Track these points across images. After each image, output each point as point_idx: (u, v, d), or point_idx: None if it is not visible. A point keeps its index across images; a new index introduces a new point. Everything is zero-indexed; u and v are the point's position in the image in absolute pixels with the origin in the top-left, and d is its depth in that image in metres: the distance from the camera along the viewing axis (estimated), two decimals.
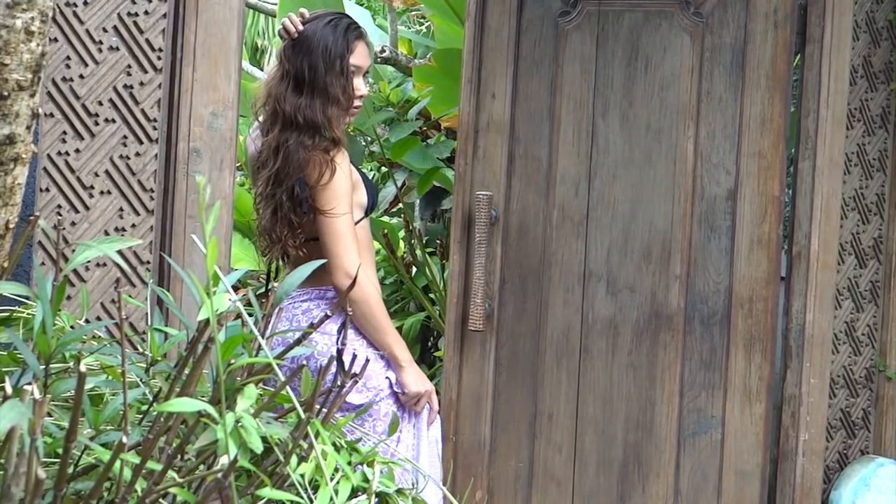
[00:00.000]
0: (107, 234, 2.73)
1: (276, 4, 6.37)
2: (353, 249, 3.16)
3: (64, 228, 2.69)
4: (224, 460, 1.15)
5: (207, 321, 1.32)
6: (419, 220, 6.05)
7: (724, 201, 4.11)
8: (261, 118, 3.24)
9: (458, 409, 4.20)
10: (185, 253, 2.80)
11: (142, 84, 2.75)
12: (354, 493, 1.39)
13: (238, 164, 7.39)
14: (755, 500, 4.10)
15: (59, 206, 2.68)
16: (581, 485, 4.17)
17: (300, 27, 3.21)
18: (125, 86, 2.74)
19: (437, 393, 3.78)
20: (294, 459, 1.30)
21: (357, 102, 3.31)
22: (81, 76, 2.69)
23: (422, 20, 6.32)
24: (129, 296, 2.77)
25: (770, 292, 4.09)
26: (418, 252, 5.67)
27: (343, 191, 3.15)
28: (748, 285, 4.09)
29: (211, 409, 1.14)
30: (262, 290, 7.18)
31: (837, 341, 4.10)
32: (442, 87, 4.93)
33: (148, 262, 2.78)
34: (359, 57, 3.29)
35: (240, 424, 1.15)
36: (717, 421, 4.11)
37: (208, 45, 2.81)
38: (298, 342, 1.42)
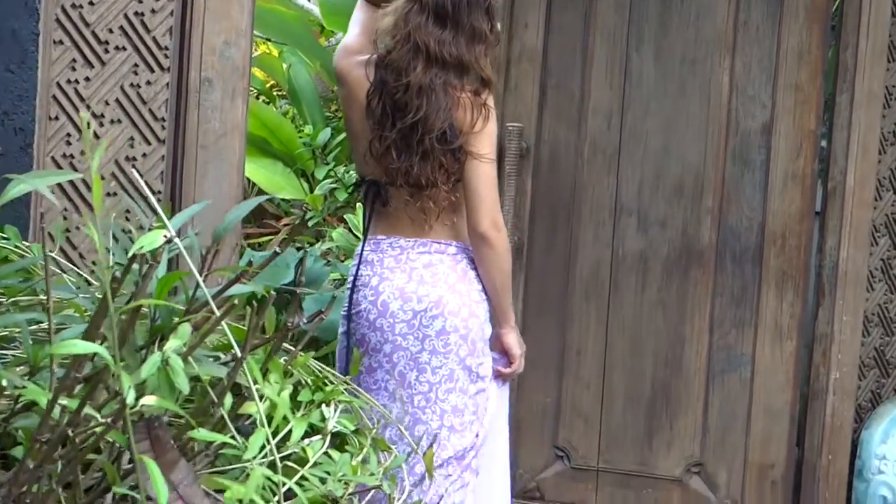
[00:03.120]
0: (117, 163, 2.72)
1: None
2: (498, 199, 3.02)
3: (73, 157, 2.68)
4: (148, 401, 1.13)
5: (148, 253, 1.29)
6: None
7: (759, 135, 4.02)
8: (385, 49, 2.98)
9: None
10: (196, 183, 2.78)
11: (153, 11, 2.72)
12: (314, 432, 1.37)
13: (260, 92, 7.37)
14: (784, 438, 4.05)
15: (69, 135, 2.67)
16: (608, 421, 4.15)
17: None
18: (136, 13, 2.71)
19: None
20: (228, 399, 1.28)
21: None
22: (91, 3, 2.67)
23: None
24: (142, 226, 2.76)
25: (804, 228, 4.01)
26: None
27: (495, 137, 3.01)
28: (782, 221, 4.02)
29: (102, 351, 1.12)
30: (307, 220, 7.15)
31: (873, 279, 4.02)
32: None
33: (159, 192, 2.76)
34: None
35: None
36: (747, 358, 4.06)
37: None
38: (236, 280, 1.39)
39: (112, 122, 2.70)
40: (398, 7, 2.97)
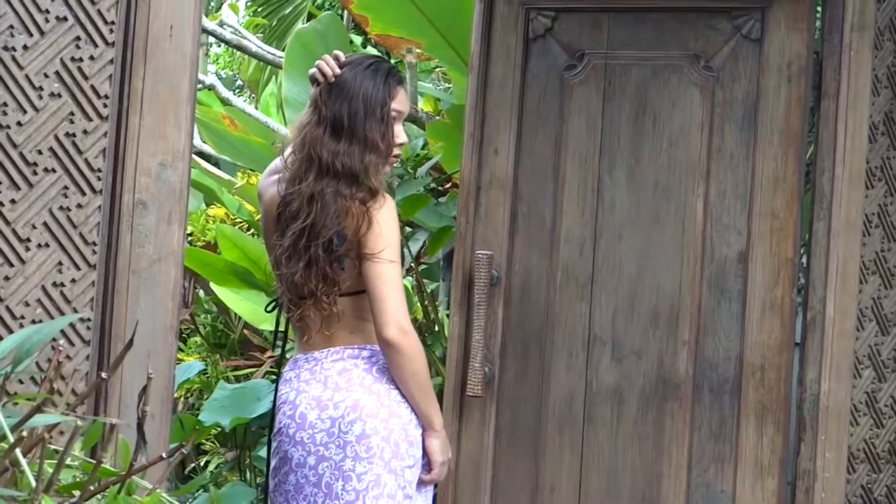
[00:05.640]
0: (44, 289, 2.61)
1: (281, 57, 6.31)
2: (404, 300, 3.02)
3: None
4: None
5: None
6: (441, 281, 5.90)
7: (735, 264, 3.90)
8: (288, 162, 3.13)
9: (456, 479, 4.01)
10: (129, 310, 2.67)
11: (85, 132, 2.64)
12: None
13: (250, 224, 7.32)
14: None
15: None
16: None
17: (337, 71, 3.11)
18: (67, 133, 2.62)
19: None
20: None
21: (397, 150, 3.20)
22: (20, 123, 2.58)
23: (448, 78, 6.22)
24: (69, 356, 2.64)
25: (783, 360, 3.86)
26: (434, 314, 5.51)
27: (391, 237, 3.03)
28: (760, 352, 3.87)
29: None
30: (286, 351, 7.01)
31: (857, 413, 3.85)
32: (455, 143, 4.79)
33: (89, 320, 2.64)
34: (399, 103, 3.18)
35: None
36: (727, 497, 3.87)
37: (157, 93, 2.70)
38: (37, 409, 1.26)
39: (39, 245, 2.59)
40: (302, 121, 3.12)
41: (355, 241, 3.01)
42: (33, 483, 1.14)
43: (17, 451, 1.18)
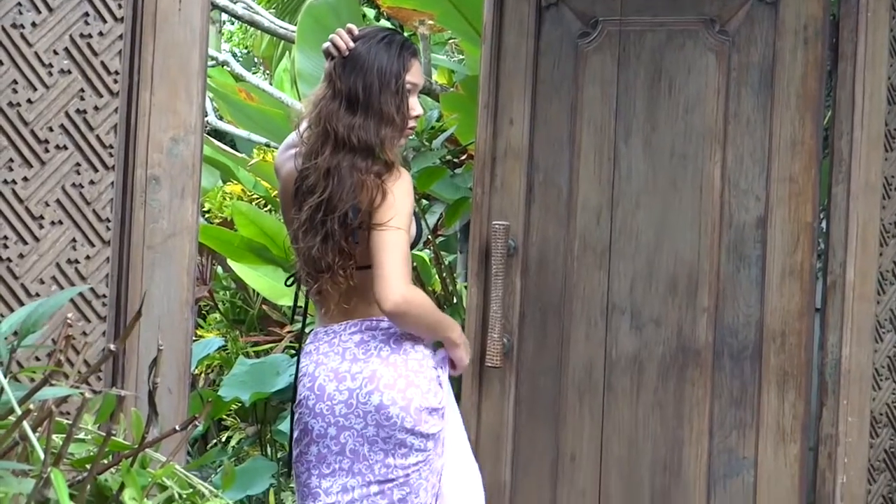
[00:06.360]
0: (58, 266, 2.60)
1: (294, 31, 6.27)
2: (405, 266, 2.98)
3: (10, 261, 2.56)
4: None
5: None
6: (459, 253, 5.88)
7: (754, 229, 3.87)
8: (304, 137, 3.12)
9: (477, 450, 3.99)
10: (144, 285, 2.66)
11: (96, 109, 2.63)
12: None
13: (266, 200, 7.31)
14: None
15: (6, 238, 2.55)
16: None
17: (351, 44, 3.10)
18: (78, 110, 2.61)
19: None
20: None
21: (412, 123, 3.18)
22: (30, 101, 2.57)
23: (461, 49, 6.19)
24: (85, 332, 2.64)
25: (804, 325, 3.84)
26: (453, 286, 5.49)
27: (403, 208, 3.01)
28: (780, 318, 3.84)
29: None
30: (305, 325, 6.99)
31: (879, 377, 3.83)
32: (469, 115, 4.76)
33: (104, 296, 2.64)
34: (414, 75, 3.16)
35: None
36: (750, 462, 3.86)
37: (167, 67, 2.68)
38: (44, 382, 1.25)
39: (53, 223, 2.59)
40: (317, 95, 3.11)
41: (368, 213, 2.99)
42: (42, 457, 1.13)
43: (26, 425, 1.17)
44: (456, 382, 3.82)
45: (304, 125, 3.15)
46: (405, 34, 5.29)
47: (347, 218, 3.00)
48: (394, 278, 2.93)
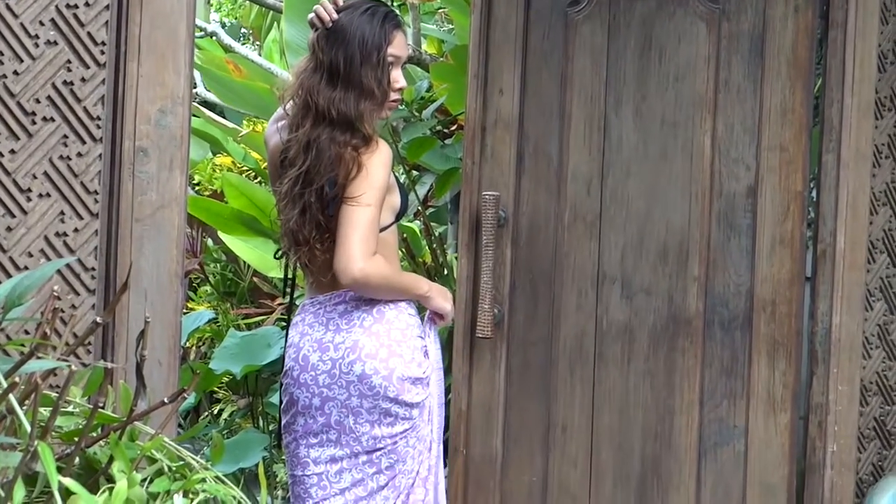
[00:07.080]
0: (47, 239, 2.59)
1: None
2: (367, 243, 2.96)
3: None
4: None
5: None
6: (449, 224, 5.86)
7: (744, 198, 3.87)
8: (287, 109, 3.14)
9: (468, 421, 4.00)
10: (132, 258, 2.65)
11: (83, 80, 2.61)
12: None
13: (256, 172, 7.28)
14: None
15: None
16: (598, 500, 3.95)
17: (334, 16, 3.09)
18: (65, 82, 2.60)
19: (447, 404, 3.63)
20: (21, 493, 1.13)
21: (395, 95, 3.20)
22: (16, 72, 2.55)
23: (451, 18, 6.16)
24: (73, 305, 2.63)
25: (794, 294, 3.84)
26: (443, 257, 5.48)
27: (376, 182, 3.02)
28: (771, 287, 3.84)
29: None
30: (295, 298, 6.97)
31: (869, 345, 3.84)
32: (459, 84, 4.74)
33: (93, 269, 2.63)
34: (397, 47, 3.17)
35: None
36: (740, 431, 3.87)
37: (155, 38, 2.66)
38: (30, 355, 1.25)
39: (41, 196, 2.57)
40: (300, 67, 3.13)
41: (343, 186, 3.00)
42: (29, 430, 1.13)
43: (12, 398, 1.16)
44: (447, 353, 3.83)
45: (288, 97, 3.16)
46: (393, 4, 5.26)
47: (324, 191, 3.02)
48: (352, 253, 2.93)
